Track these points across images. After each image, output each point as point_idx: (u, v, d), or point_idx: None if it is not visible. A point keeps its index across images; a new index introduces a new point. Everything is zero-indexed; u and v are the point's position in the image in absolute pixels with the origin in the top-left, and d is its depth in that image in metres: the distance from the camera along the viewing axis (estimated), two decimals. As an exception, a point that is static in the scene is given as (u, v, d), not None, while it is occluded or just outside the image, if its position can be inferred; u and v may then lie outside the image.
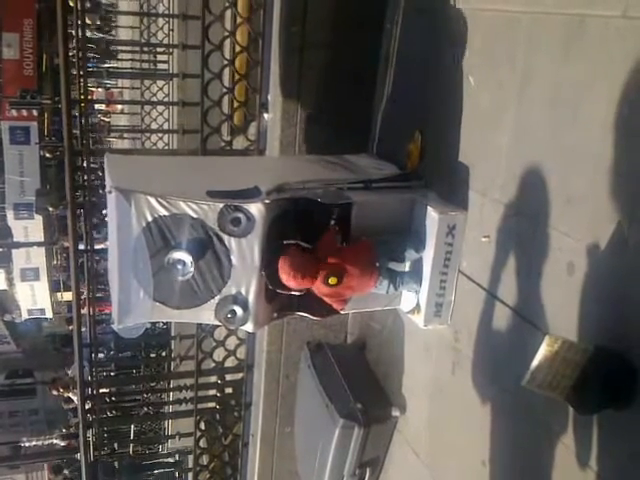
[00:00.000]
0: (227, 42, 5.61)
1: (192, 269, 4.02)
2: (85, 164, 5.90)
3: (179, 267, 4.01)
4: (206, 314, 4.23)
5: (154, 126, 11.06)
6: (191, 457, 6.84)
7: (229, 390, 6.60)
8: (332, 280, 4.09)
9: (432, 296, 4.40)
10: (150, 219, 3.91)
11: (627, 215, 3.02)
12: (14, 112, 20.05)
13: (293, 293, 4.21)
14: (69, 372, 11.91)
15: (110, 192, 3.91)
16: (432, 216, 4.25)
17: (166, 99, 10.54)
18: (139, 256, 3.96)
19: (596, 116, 3.16)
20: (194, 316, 4.32)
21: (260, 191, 4.02)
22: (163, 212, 3.91)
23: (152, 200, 3.88)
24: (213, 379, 6.64)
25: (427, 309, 4.42)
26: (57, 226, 19.47)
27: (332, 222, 4.21)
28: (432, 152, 4.61)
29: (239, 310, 4.20)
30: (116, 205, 3.89)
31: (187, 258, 3.99)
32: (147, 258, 3.96)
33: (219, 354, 6.30)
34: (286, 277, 4.01)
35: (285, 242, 4.08)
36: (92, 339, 6.37)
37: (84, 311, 6.36)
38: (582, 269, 3.27)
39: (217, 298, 4.16)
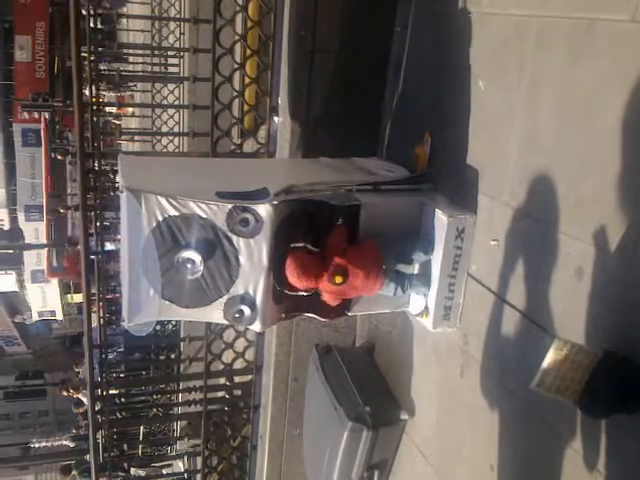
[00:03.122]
0: (238, 46, 5.64)
1: (201, 268, 4.05)
2: (96, 166, 5.95)
3: (188, 266, 4.04)
4: (214, 313, 4.26)
5: (165, 129, 11.12)
6: (199, 459, 6.85)
7: (238, 392, 6.62)
8: (338, 279, 4.11)
9: (441, 299, 4.40)
10: (160, 219, 3.94)
11: (637, 219, 3.01)
12: (26, 114, 20.22)
13: (301, 294, 4.23)
14: (79, 370, 11.97)
15: (122, 192, 3.95)
16: (441, 219, 4.25)
17: (177, 102, 10.60)
18: (149, 255, 4.00)
19: (605, 120, 3.16)
20: (202, 315, 4.35)
21: (269, 192, 4.04)
22: (173, 212, 3.94)
23: (162, 200, 3.92)
24: (222, 381, 6.66)
25: (436, 312, 4.42)
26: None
27: (339, 222, 4.23)
28: (442, 155, 4.61)
29: (247, 310, 4.23)
30: (127, 205, 3.93)
31: (196, 257, 4.03)
32: (157, 257, 4.00)
33: (228, 356, 6.32)
34: (293, 278, 4.04)
35: (293, 246, 4.10)
36: (102, 341, 6.42)
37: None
38: (591, 273, 3.27)
39: (225, 297, 4.18)
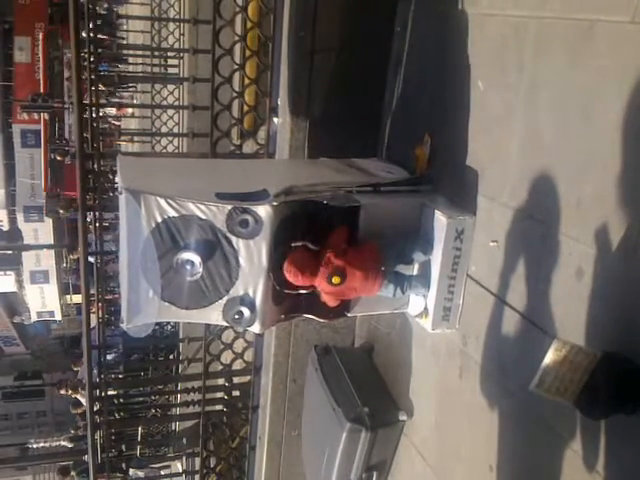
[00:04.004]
0: (237, 46, 5.64)
1: (201, 269, 4.05)
2: (96, 167, 5.95)
3: (188, 267, 4.04)
4: (214, 315, 4.25)
5: (164, 130, 11.12)
6: (198, 459, 6.85)
7: (236, 393, 6.61)
8: (335, 279, 4.11)
9: (440, 300, 4.40)
10: (159, 220, 3.94)
11: (637, 219, 3.01)
12: (25, 115, 20.20)
13: (300, 292, 4.23)
14: (78, 369, 11.94)
15: (121, 193, 3.95)
16: (440, 220, 4.25)
17: (176, 103, 10.60)
18: (148, 256, 4.00)
19: (605, 120, 3.16)
20: (202, 316, 4.34)
21: (268, 193, 4.04)
22: (172, 213, 3.94)
23: (161, 201, 3.91)
24: (221, 382, 6.66)
25: (435, 313, 4.42)
26: (67, 229, 19.57)
27: (340, 222, 4.23)
28: (441, 156, 4.61)
29: (246, 311, 4.22)
30: (126, 206, 3.92)
31: (196, 259, 4.02)
32: (156, 258, 3.99)
33: (227, 357, 6.32)
34: (289, 274, 4.05)
35: (293, 244, 4.10)
36: (101, 341, 6.42)
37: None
38: (591, 274, 3.27)
39: (225, 299, 4.18)
